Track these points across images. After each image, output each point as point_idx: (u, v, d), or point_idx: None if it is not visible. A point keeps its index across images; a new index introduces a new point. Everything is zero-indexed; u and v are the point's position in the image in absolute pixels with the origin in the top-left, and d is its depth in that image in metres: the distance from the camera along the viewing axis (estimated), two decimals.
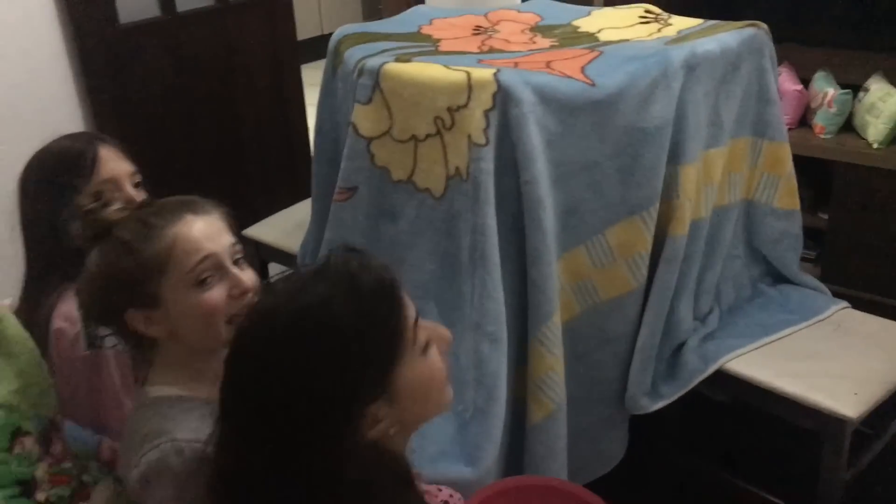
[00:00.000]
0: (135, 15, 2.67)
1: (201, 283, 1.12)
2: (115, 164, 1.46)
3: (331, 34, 2.07)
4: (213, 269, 1.13)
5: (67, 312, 1.38)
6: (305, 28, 3.56)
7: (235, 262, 1.16)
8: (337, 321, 0.88)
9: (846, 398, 1.71)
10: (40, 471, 1.17)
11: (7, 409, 1.18)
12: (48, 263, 1.42)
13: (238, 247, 1.17)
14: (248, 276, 1.16)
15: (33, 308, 1.42)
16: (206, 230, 1.14)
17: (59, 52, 2.50)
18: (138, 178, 1.48)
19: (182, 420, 1.10)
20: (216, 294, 1.13)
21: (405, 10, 2.28)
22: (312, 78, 3.51)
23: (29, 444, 1.18)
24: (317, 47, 4.95)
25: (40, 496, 1.16)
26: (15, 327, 1.23)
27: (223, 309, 1.13)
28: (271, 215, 2.66)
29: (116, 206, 1.14)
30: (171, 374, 1.17)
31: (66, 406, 1.37)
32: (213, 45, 2.91)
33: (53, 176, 1.42)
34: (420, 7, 2.23)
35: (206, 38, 2.88)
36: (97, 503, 1.20)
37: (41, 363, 1.25)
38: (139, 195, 1.44)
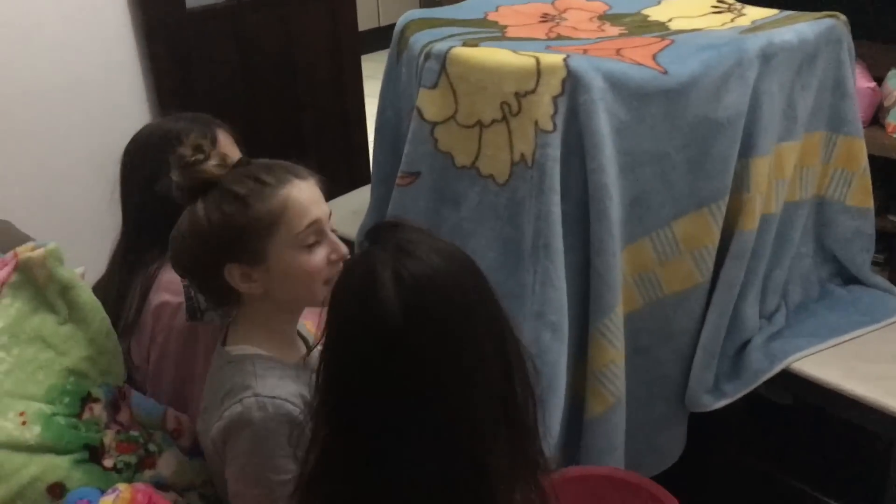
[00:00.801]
0: (201, 0, 2.71)
1: (307, 246, 1.16)
2: (230, 150, 1.47)
3: (388, 26, 2.07)
4: (317, 233, 1.17)
5: (170, 283, 1.39)
6: (363, 19, 3.56)
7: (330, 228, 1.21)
8: None
9: None
10: (108, 437, 1.18)
11: (78, 375, 1.19)
12: (148, 234, 1.42)
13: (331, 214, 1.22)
14: (339, 241, 1.21)
15: (126, 278, 1.42)
16: (312, 195, 1.18)
17: (125, 35, 2.54)
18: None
19: (264, 377, 1.11)
20: (319, 257, 1.17)
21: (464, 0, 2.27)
22: (369, 69, 3.53)
23: (98, 410, 1.19)
24: (374, 39, 4.98)
25: (107, 462, 1.17)
26: (88, 295, 1.24)
27: (324, 272, 1.17)
28: (328, 202, 2.66)
29: (214, 161, 1.14)
30: (253, 334, 1.19)
31: (146, 379, 1.38)
32: (276, 33, 2.94)
33: (166, 153, 1.42)
34: None
35: (270, 25, 2.91)
36: (164, 471, 1.20)
37: (111, 332, 1.26)
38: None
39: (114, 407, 1.23)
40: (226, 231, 1.13)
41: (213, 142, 1.45)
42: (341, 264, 1.17)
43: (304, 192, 1.17)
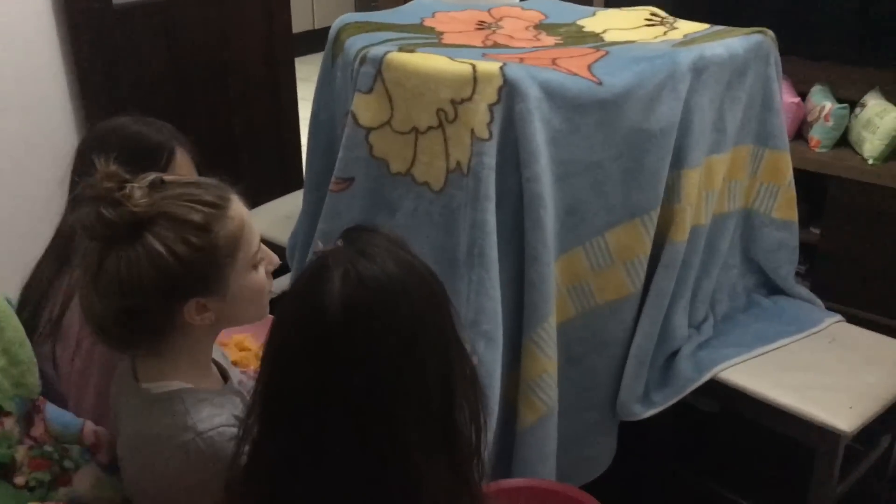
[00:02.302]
0: None
1: (255, 265, 1.11)
2: (186, 169, 1.39)
3: (323, 29, 2.03)
4: (261, 249, 1.13)
5: None
6: (298, 22, 3.51)
7: None
8: None
9: (841, 411, 1.69)
10: (20, 454, 1.12)
11: None
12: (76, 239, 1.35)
13: None
14: None
15: (52, 276, 1.35)
16: (247, 211, 1.12)
17: (48, 32, 2.44)
18: None
19: (198, 411, 1.06)
20: (263, 273, 1.13)
21: (400, 5, 2.25)
22: (303, 72, 3.48)
23: (9, 424, 1.13)
24: (309, 41, 4.92)
25: (19, 480, 1.11)
26: (1, 303, 1.18)
27: (267, 285, 1.14)
28: (259, 206, 2.62)
29: (138, 189, 1.02)
30: (175, 366, 1.11)
31: (69, 387, 1.31)
32: (208, 32, 2.86)
33: (120, 157, 1.35)
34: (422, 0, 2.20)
35: (201, 24, 2.83)
36: (80, 488, 1.15)
37: (25, 342, 1.20)
38: None
39: (27, 421, 1.17)
40: (195, 263, 1.03)
41: (169, 160, 1.37)
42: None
43: (244, 210, 1.10)
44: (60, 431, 1.20)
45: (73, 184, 1.39)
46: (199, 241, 1.03)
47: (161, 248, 1.02)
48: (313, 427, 0.89)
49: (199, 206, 1.05)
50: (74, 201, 1.07)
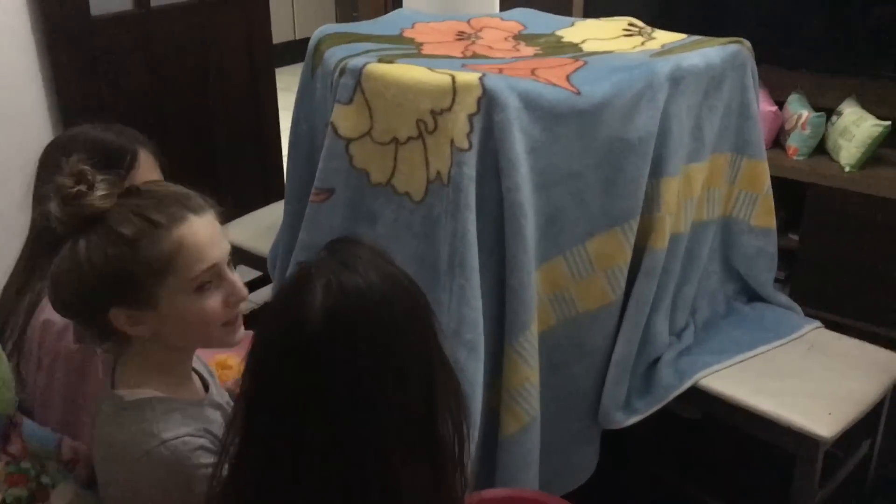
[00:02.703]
0: (107, 7, 2.61)
1: (200, 289, 1.07)
2: (149, 172, 1.38)
3: (304, 39, 2.03)
4: (214, 276, 1.08)
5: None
6: (279, 32, 3.52)
7: (228, 265, 1.11)
8: None
9: (820, 418, 1.70)
10: None
11: None
12: (50, 245, 1.34)
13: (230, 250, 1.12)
14: (239, 281, 1.12)
15: (20, 290, 1.34)
16: (209, 235, 1.07)
17: (25, 43, 2.43)
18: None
19: (166, 420, 1.05)
20: (215, 301, 1.08)
21: (381, 16, 2.26)
22: (284, 82, 3.48)
23: None
24: (290, 52, 4.92)
25: None
26: None
27: (220, 315, 1.09)
28: (240, 217, 2.61)
29: (100, 192, 1.02)
30: (146, 375, 1.10)
31: (34, 403, 1.30)
32: (187, 43, 2.86)
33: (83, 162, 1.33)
34: (402, 10, 2.20)
35: (180, 35, 2.83)
36: None
37: (1, 357, 1.19)
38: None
39: (3, 437, 1.15)
40: (109, 275, 1.02)
41: (132, 162, 1.36)
42: (241, 306, 1.11)
43: (200, 233, 1.06)
44: (38, 447, 1.19)
45: (35, 193, 1.37)
46: (118, 253, 1.02)
47: (83, 254, 1.03)
48: (294, 437, 0.89)
49: (138, 220, 1.04)
50: (40, 199, 1.07)
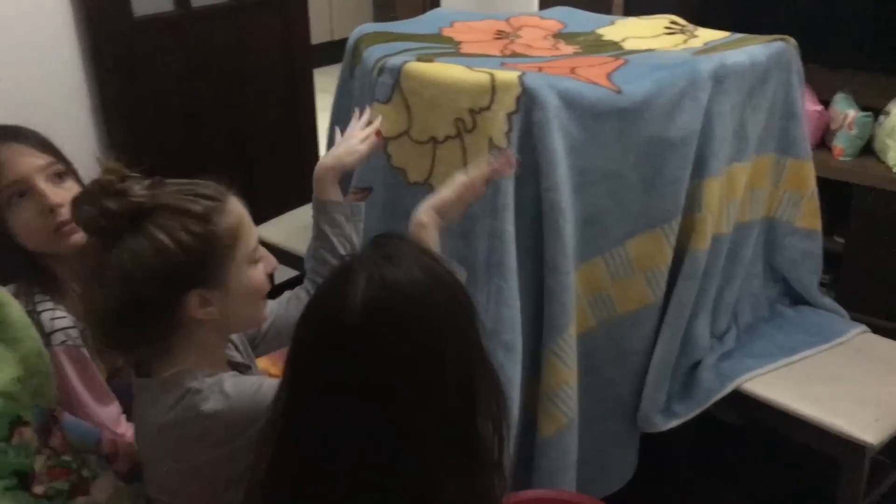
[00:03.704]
0: (149, 8, 2.64)
1: (255, 261, 1.13)
2: (21, 160, 1.31)
3: (341, 40, 2.04)
4: (260, 248, 1.15)
5: None
6: (316, 33, 3.53)
7: None
8: None
9: (866, 424, 1.66)
10: (38, 463, 1.12)
11: (7, 397, 1.13)
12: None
13: None
14: None
15: None
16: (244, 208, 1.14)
17: (69, 43, 2.46)
18: (58, 168, 1.35)
19: (201, 380, 1.08)
20: (262, 272, 1.15)
21: (418, 15, 2.25)
22: (321, 83, 3.49)
23: (28, 434, 1.13)
24: (327, 52, 4.94)
25: (38, 489, 1.11)
26: (19, 313, 1.18)
27: (265, 288, 1.15)
28: (277, 217, 2.62)
29: (139, 185, 1.05)
30: (191, 360, 1.11)
31: None
32: (227, 44, 2.88)
33: None
34: (440, 9, 2.20)
35: (220, 35, 2.85)
36: (98, 498, 1.14)
37: (43, 352, 1.20)
38: (68, 187, 1.33)
39: (45, 431, 1.17)
40: (194, 253, 1.05)
41: None
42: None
43: (241, 206, 1.13)
44: (78, 441, 1.20)
45: None
46: (200, 229, 1.06)
47: (164, 237, 1.04)
48: (333, 428, 0.89)
49: (198, 198, 1.08)
50: (74, 202, 1.09)
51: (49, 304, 1.30)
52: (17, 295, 1.28)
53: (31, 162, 1.32)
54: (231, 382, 1.08)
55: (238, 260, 1.10)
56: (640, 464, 1.90)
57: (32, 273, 1.32)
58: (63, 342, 1.28)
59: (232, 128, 2.96)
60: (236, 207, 1.11)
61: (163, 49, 2.68)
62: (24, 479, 1.11)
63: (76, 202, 1.07)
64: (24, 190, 1.30)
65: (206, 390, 1.06)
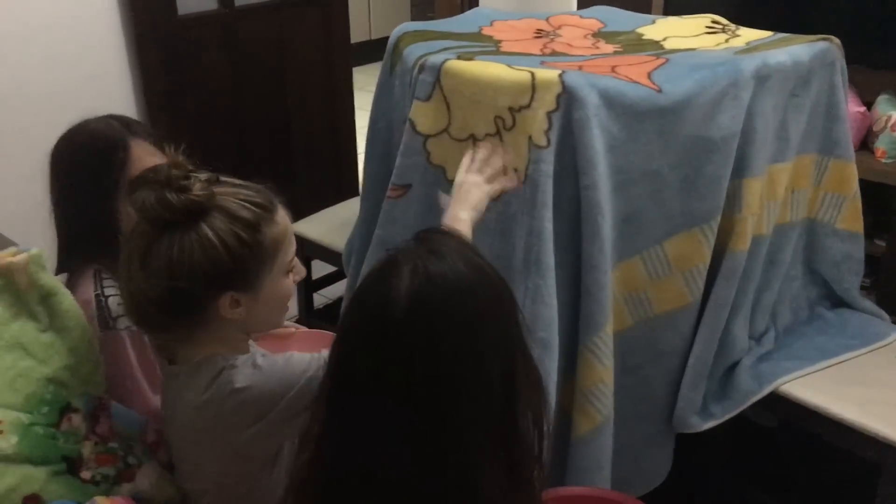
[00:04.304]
0: (193, 7, 2.69)
1: (288, 272, 1.17)
2: (148, 159, 1.40)
3: (380, 39, 2.06)
4: (294, 258, 1.19)
5: (84, 295, 1.34)
6: (355, 32, 3.56)
7: None
8: None
9: None
10: (86, 449, 1.15)
11: (58, 384, 1.16)
12: (72, 245, 1.39)
13: None
14: None
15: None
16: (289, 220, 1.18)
17: (115, 42, 2.52)
18: None
19: (233, 360, 1.12)
20: (292, 280, 1.19)
21: (456, 14, 2.26)
22: (360, 81, 3.52)
23: (77, 421, 1.16)
24: (366, 51, 4.97)
25: (85, 474, 1.14)
26: (69, 302, 1.21)
27: (291, 295, 1.20)
28: (316, 213, 2.65)
29: (199, 183, 1.09)
30: (215, 349, 1.16)
31: None
32: (268, 42, 2.92)
33: (84, 160, 1.38)
34: (480, 8, 2.20)
35: (262, 33, 2.89)
36: (142, 485, 1.17)
37: (93, 341, 1.23)
38: None
39: (93, 418, 1.20)
40: (239, 257, 1.10)
41: (124, 154, 1.39)
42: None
43: (287, 217, 1.17)
44: (124, 429, 1.23)
45: (56, 191, 1.41)
46: (248, 237, 1.10)
47: (214, 238, 1.08)
48: (375, 420, 0.89)
49: (251, 206, 1.12)
50: (131, 185, 1.13)
51: (116, 290, 1.34)
52: (86, 278, 1.33)
53: (154, 162, 1.38)
54: (261, 356, 1.13)
55: (275, 270, 1.14)
56: (674, 463, 1.89)
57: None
58: (128, 327, 1.32)
59: (272, 124, 3.00)
60: (283, 219, 1.16)
61: (206, 46, 2.73)
62: (72, 465, 1.14)
63: (136, 184, 1.11)
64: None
65: (240, 365, 1.11)
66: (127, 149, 1.39)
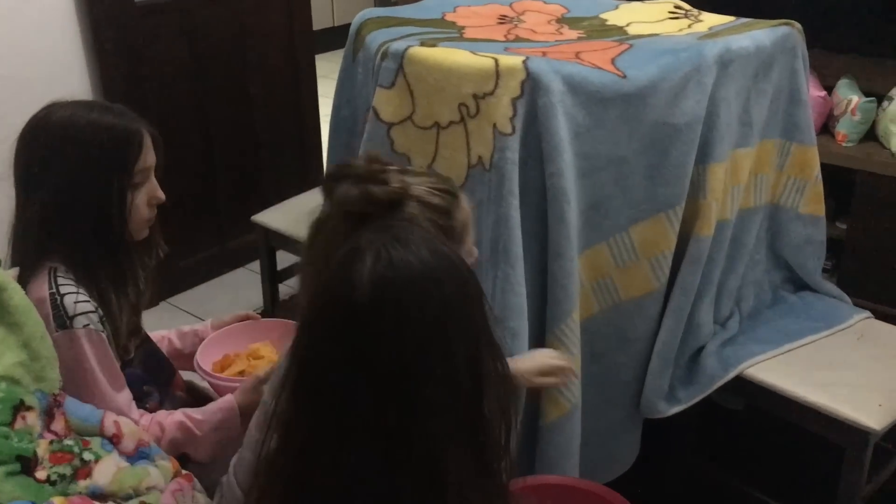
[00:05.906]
0: None
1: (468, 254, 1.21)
2: (151, 153, 1.39)
3: (343, 26, 2.03)
4: None
5: (38, 293, 1.30)
6: (317, 19, 3.52)
7: None
8: None
9: (870, 409, 1.66)
10: (41, 448, 1.12)
11: (10, 381, 1.12)
12: (32, 238, 1.33)
13: None
14: None
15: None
16: None
17: (71, 29, 2.46)
18: None
19: None
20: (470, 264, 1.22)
21: (420, 1, 2.23)
22: (323, 69, 3.48)
23: (31, 419, 1.12)
24: (328, 38, 4.92)
25: (41, 474, 1.10)
26: (21, 297, 1.17)
27: None
28: (280, 202, 2.62)
29: (393, 173, 1.13)
30: None
31: None
32: (228, 29, 2.87)
33: (96, 148, 1.33)
34: None
35: (222, 21, 2.84)
36: (100, 480, 1.13)
37: (45, 336, 1.20)
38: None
39: (48, 415, 1.16)
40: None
41: (140, 144, 1.36)
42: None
43: (467, 203, 1.22)
44: (80, 424, 1.20)
45: (23, 176, 1.36)
46: (443, 222, 1.16)
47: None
48: (340, 407, 0.88)
49: (440, 193, 1.17)
50: (327, 179, 1.16)
51: (72, 287, 1.30)
52: (40, 276, 1.30)
53: (155, 157, 1.42)
54: None
55: (463, 253, 1.15)
56: (641, 449, 1.90)
57: (117, 258, 1.38)
58: (85, 326, 1.29)
59: (235, 113, 2.96)
60: (465, 204, 1.21)
61: (165, 36, 2.68)
62: (26, 465, 1.11)
63: (334, 178, 1.13)
64: (145, 179, 1.39)
65: None
66: (143, 138, 1.37)
